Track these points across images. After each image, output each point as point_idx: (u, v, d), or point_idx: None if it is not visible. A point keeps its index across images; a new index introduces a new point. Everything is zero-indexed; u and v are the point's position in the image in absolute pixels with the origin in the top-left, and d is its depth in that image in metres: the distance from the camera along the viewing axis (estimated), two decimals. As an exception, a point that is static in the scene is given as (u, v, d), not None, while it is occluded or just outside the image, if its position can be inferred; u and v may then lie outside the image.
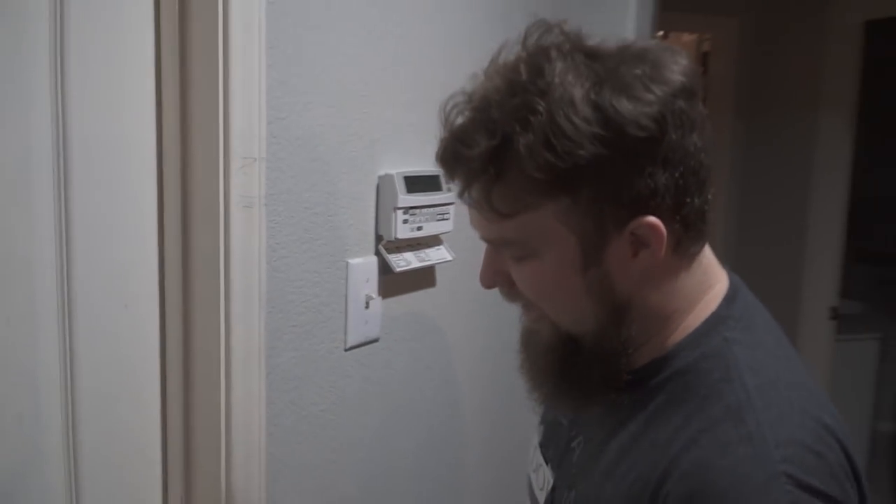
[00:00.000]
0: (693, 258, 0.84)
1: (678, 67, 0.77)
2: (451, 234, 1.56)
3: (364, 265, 1.39)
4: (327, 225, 1.30)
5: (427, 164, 1.50)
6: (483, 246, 0.89)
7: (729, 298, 0.86)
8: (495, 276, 0.88)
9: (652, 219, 0.77)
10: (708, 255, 0.87)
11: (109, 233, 1.10)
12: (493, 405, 1.81)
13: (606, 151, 0.73)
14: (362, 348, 1.42)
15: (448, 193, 1.50)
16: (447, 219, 1.53)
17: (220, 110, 1.09)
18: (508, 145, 0.76)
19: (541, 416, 1.10)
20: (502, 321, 1.79)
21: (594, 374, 0.85)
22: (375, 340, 1.44)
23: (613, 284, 0.82)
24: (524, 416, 1.87)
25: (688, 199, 0.79)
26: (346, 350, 1.38)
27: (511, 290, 0.88)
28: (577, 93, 0.74)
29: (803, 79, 3.65)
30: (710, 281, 0.87)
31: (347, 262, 1.35)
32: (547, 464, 1.01)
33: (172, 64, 1.11)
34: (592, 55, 0.78)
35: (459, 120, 0.81)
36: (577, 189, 0.76)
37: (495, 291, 1.64)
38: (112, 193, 1.09)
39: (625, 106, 0.73)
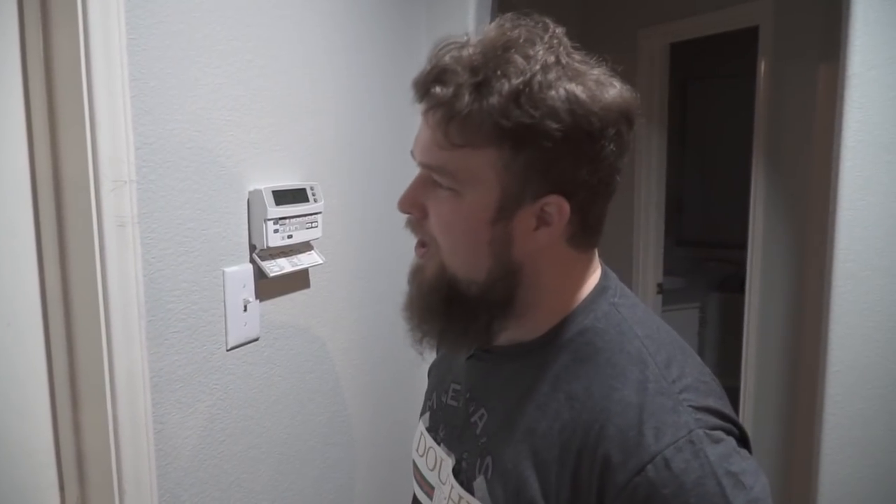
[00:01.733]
0: (586, 252, 0.86)
1: (629, 96, 0.79)
2: (320, 240, 1.52)
3: (240, 272, 1.33)
4: (201, 238, 1.24)
5: (294, 179, 1.46)
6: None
7: (604, 275, 0.89)
8: (413, 204, 0.84)
9: (562, 200, 0.78)
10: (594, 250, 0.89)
11: (-13, 257, 1.01)
12: (367, 388, 1.79)
13: (559, 130, 0.74)
14: (243, 347, 1.36)
15: (315, 204, 1.47)
16: (316, 226, 1.49)
17: (87, 140, 1.03)
18: (484, 86, 0.74)
19: (424, 405, 1.06)
20: (370, 316, 1.77)
21: (479, 319, 0.83)
22: (255, 340, 1.39)
23: (511, 248, 0.80)
24: (396, 396, 1.86)
25: (594, 204, 0.81)
26: (228, 350, 1.32)
27: (420, 222, 0.85)
28: (556, 73, 0.75)
29: (636, 111, 3.75)
30: (594, 267, 0.88)
31: (223, 271, 1.29)
32: (439, 444, 0.96)
33: (40, 99, 1.04)
34: (570, 55, 0.78)
35: (449, 55, 0.78)
36: (520, 148, 0.75)
37: (363, 291, 1.62)
38: (-12, 220, 1.01)
39: (586, 102, 0.75)
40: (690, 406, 0.75)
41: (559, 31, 0.78)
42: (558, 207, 0.78)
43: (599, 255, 0.91)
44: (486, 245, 0.80)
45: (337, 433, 1.67)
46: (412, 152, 0.85)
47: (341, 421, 1.69)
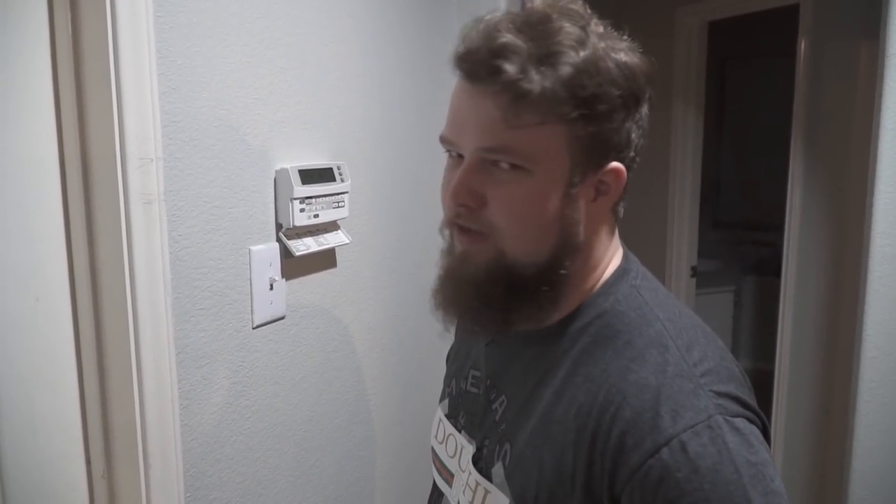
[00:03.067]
0: (617, 221, 0.87)
1: (648, 60, 0.80)
2: (347, 219, 1.52)
3: (266, 251, 1.34)
4: (228, 216, 1.25)
5: (320, 158, 1.46)
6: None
7: (625, 257, 0.88)
8: (471, 193, 0.79)
9: (621, 166, 0.79)
10: None
11: (17, 233, 1.03)
12: (394, 368, 1.79)
13: (619, 96, 0.76)
14: (269, 326, 1.37)
15: (342, 183, 1.47)
16: (343, 206, 1.49)
17: (114, 117, 1.03)
18: (551, 58, 0.73)
19: (443, 392, 1.06)
20: (397, 296, 1.77)
21: (528, 302, 0.81)
22: (282, 318, 1.40)
23: (580, 221, 0.80)
24: (423, 376, 1.86)
25: (635, 166, 0.82)
26: (253, 328, 1.33)
27: (474, 212, 0.80)
28: (606, 42, 0.77)
29: (658, 74, 3.70)
30: (616, 244, 0.88)
31: (250, 249, 1.30)
32: (460, 431, 0.95)
33: (68, 76, 1.05)
34: (599, 25, 0.79)
35: (503, 29, 0.75)
36: (588, 118, 0.75)
37: (389, 271, 1.61)
38: (18, 197, 1.03)
39: (634, 67, 0.77)
40: (711, 391, 0.73)
41: (581, 1, 0.80)
42: (616, 174, 0.79)
43: (632, 237, 0.90)
44: (556, 222, 0.79)
45: (362, 412, 1.68)
46: (445, 138, 0.82)
47: (367, 400, 1.70)
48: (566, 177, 0.77)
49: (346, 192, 1.49)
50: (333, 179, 1.45)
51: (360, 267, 1.62)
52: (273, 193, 1.35)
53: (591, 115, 0.75)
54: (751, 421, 0.73)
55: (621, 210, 0.85)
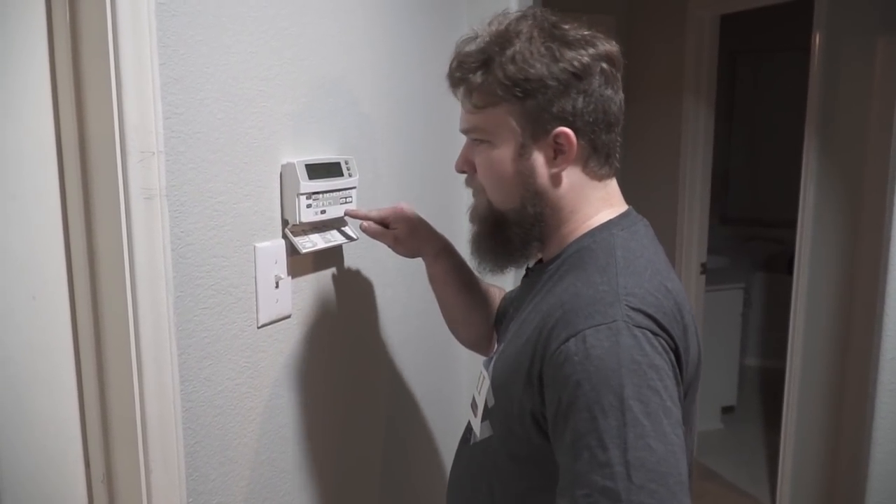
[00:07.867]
0: (601, 179, 1.07)
1: (609, 45, 1.04)
2: (355, 215, 1.47)
3: (271, 248, 1.29)
4: (232, 212, 1.20)
5: (328, 152, 1.41)
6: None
7: (623, 215, 1.08)
8: (465, 163, 1.12)
9: (568, 130, 1.00)
10: (614, 186, 1.10)
11: (14, 230, 0.99)
12: (402, 366, 1.75)
13: (548, 76, 0.99)
14: (275, 325, 1.33)
15: (350, 178, 1.42)
16: (350, 202, 1.44)
17: (114, 108, 0.98)
18: (490, 61, 1.01)
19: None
20: (405, 293, 1.73)
21: (515, 238, 1.08)
22: (287, 317, 1.36)
23: (535, 176, 1.03)
24: (431, 373, 1.81)
25: (597, 129, 1.02)
26: (258, 327, 1.28)
27: (472, 177, 1.12)
28: (538, 39, 1.00)
29: (669, 68, 3.64)
30: (612, 201, 1.08)
31: (255, 246, 1.26)
32: (500, 343, 1.19)
33: (66, 67, 1.00)
34: (554, 25, 1.03)
35: (464, 49, 1.05)
36: (525, 97, 1.00)
37: (395, 268, 1.58)
38: (14, 191, 0.99)
39: (565, 52, 1.00)
40: (627, 305, 0.89)
41: (539, 13, 1.04)
42: (565, 135, 1.00)
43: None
44: (514, 177, 1.04)
45: (370, 411, 1.64)
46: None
47: (375, 399, 1.65)
48: (518, 143, 1.03)
49: (354, 188, 1.45)
50: (341, 174, 1.41)
51: (368, 264, 1.57)
52: (279, 188, 1.31)
53: (526, 94, 0.99)
54: (656, 335, 0.88)
55: (602, 169, 1.06)
